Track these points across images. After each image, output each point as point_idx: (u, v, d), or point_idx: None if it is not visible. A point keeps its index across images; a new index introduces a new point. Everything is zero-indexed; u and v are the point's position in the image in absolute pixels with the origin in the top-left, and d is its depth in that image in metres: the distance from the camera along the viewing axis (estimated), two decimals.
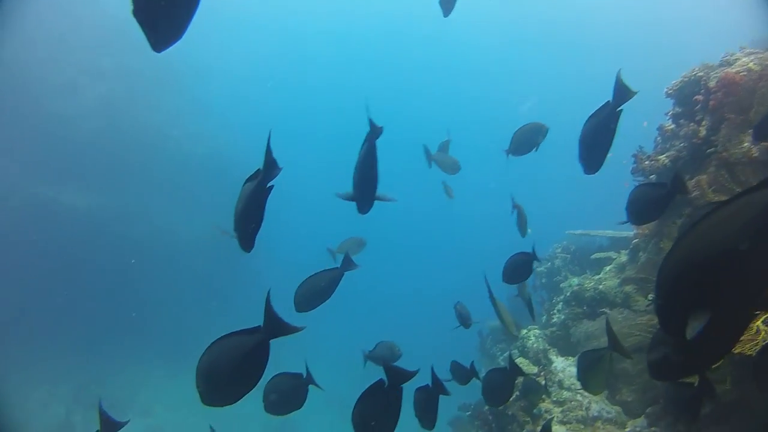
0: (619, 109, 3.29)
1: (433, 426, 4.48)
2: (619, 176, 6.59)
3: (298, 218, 26.84)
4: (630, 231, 8.92)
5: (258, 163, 3.03)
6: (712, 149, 4.70)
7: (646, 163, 5.58)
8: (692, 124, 5.08)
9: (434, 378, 3.99)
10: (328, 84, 32.35)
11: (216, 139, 19.04)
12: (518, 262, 5.14)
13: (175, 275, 17.31)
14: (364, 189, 3.43)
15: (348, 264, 4.59)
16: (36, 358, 14.98)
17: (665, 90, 5.51)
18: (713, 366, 2.04)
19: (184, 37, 2.44)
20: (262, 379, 2.78)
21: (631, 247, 7.32)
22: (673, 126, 6.13)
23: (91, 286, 15.70)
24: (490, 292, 5.67)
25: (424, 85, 33.96)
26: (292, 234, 25.27)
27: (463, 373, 5.58)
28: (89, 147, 15.47)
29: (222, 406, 2.72)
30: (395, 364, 5.62)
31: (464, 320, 6.49)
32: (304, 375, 3.99)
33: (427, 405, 4.08)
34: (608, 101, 3.33)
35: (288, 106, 30.02)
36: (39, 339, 15.20)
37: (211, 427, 5.88)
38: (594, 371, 5.65)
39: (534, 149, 5.27)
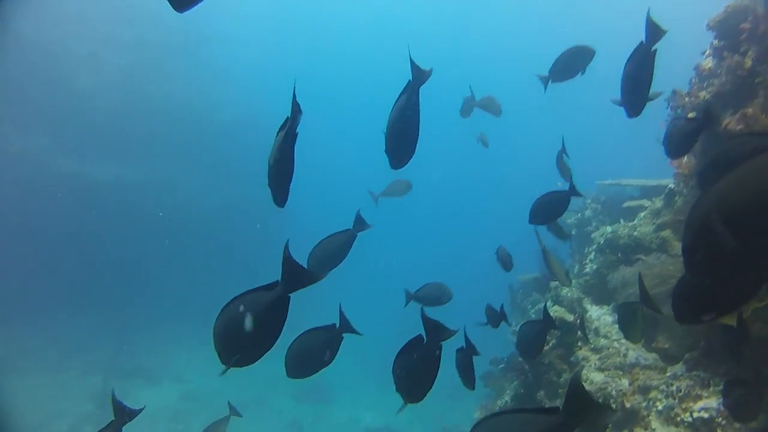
0: (654, 48, 3.30)
1: (473, 385, 4.52)
2: (646, 126, 6.36)
3: (321, 185, 26.75)
4: (661, 179, 8.72)
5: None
6: (760, 79, 4.46)
7: (686, 99, 5.35)
8: (736, 56, 4.83)
9: (467, 341, 3.97)
10: (354, 50, 31.93)
11: (238, 107, 18.92)
12: (552, 200, 4.79)
13: (201, 244, 17.41)
14: (402, 139, 3.20)
15: (360, 224, 4.46)
16: (72, 328, 15.23)
17: (706, 23, 5.24)
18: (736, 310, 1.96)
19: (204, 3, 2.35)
20: (284, 339, 2.68)
21: (666, 192, 7.11)
22: (711, 64, 5.86)
23: (119, 258, 15.87)
24: (540, 241, 5.60)
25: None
26: (317, 202, 25.23)
27: (495, 317, 5.57)
28: (111, 119, 15.51)
29: (241, 366, 2.62)
30: (446, 304, 5.75)
31: (506, 264, 6.32)
32: (337, 324, 3.65)
33: (466, 365, 3.97)
34: (641, 42, 3.33)
35: (311, 72, 29.75)
36: (72, 310, 15.43)
37: (229, 403, 5.88)
38: (630, 323, 5.57)
39: (580, 73, 4.98)
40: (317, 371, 3.54)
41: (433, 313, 3.01)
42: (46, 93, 14.61)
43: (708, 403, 4.86)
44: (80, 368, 14.61)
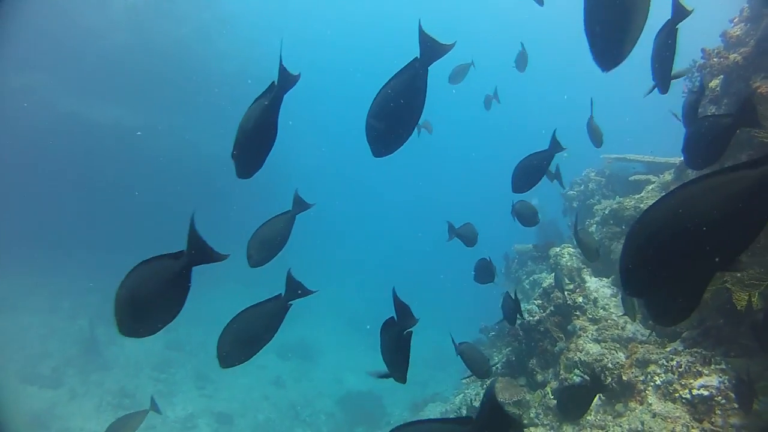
0: (677, 27, 3.25)
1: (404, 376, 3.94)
2: (653, 105, 6.02)
3: (315, 135, 26.28)
4: (669, 157, 8.42)
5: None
6: None
7: (715, 60, 5.00)
8: None
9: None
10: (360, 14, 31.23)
11: (244, 57, 18.37)
12: (533, 162, 4.28)
13: (201, 191, 17.09)
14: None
15: (300, 205, 4.24)
16: (63, 272, 14.98)
17: None
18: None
19: None
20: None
21: (677, 165, 6.80)
22: (740, 31, 5.52)
23: (113, 202, 15.54)
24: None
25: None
26: (308, 169, 24.89)
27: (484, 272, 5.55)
28: (116, 61, 14.99)
29: (141, 336, 2.54)
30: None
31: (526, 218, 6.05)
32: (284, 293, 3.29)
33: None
34: (667, 20, 3.27)
35: (321, 29, 29.02)
36: (65, 253, 15.17)
37: (152, 398, 5.65)
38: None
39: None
40: (256, 352, 3.22)
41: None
42: (50, 28, 14.11)
43: (708, 381, 4.60)
44: (69, 311, 14.39)
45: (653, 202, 1.73)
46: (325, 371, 16.12)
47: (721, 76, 4.98)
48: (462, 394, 8.40)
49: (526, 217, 5.59)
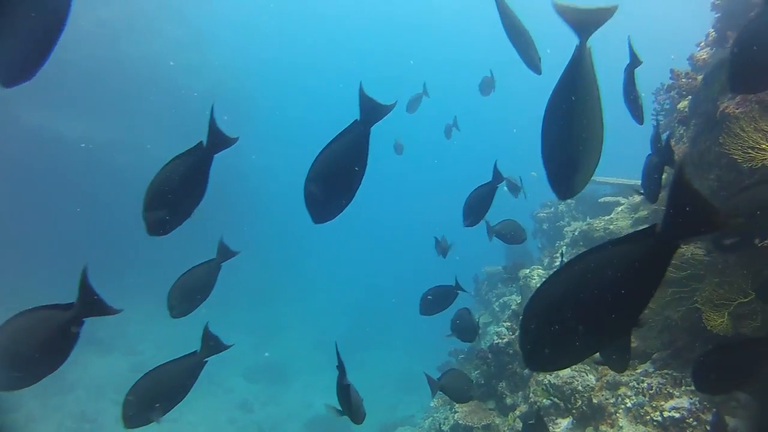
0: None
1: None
2: (623, 129, 6.02)
3: (284, 164, 26.11)
4: (638, 180, 8.42)
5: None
6: None
7: (683, 80, 4.98)
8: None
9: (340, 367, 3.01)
10: (344, 22, 31.23)
11: (217, 73, 18.17)
12: (479, 197, 4.19)
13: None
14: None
15: (224, 253, 4.10)
16: (22, 287, 14.47)
17: (711, 2, 4.86)
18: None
19: None
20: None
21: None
22: (706, 55, 5.53)
23: (77, 218, 15.11)
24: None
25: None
26: (279, 178, 24.64)
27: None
28: (84, 73, 14.66)
29: (15, 390, 2.34)
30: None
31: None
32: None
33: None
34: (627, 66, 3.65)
35: (297, 46, 28.89)
36: (25, 268, 14.68)
37: None
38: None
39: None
40: (165, 413, 2.94)
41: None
42: None
43: (679, 403, 4.50)
44: None
45: (549, 277, 1.69)
46: (294, 394, 15.75)
47: (689, 97, 4.96)
48: (431, 418, 8.21)
49: (514, 236, 5.72)
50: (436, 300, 4.31)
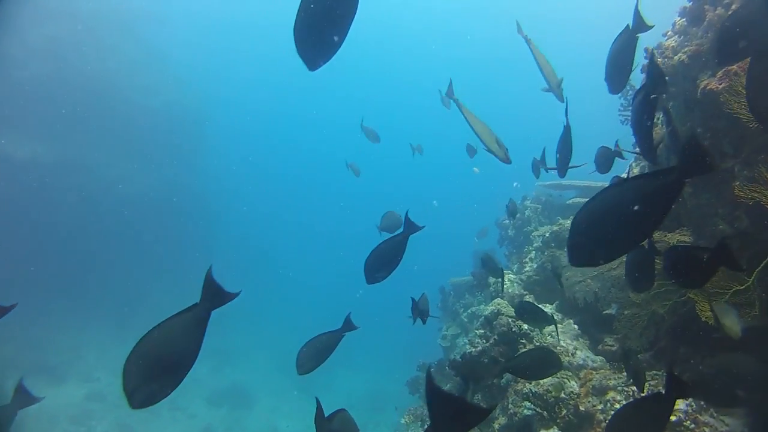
0: (637, 35, 3.51)
1: None
2: (584, 136, 5.71)
3: (241, 185, 25.44)
4: (606, 182, 8.11)
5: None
6: None
7: (659, 60, 4.63)
8: (719, 9, 4.13)
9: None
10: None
11: (170, 93, 17.46)
12: (389, 249, 3.64)
13: (120, 233, 15.90)
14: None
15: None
16: None
17: None
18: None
19: None
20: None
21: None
22: (674, 44, 5.19)
23: (29, 242, 14.21)
24: None
25: None
26: (237, 199, 23.98)
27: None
28: (32, 91, 13.85)
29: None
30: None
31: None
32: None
33: None
34: (627, 26, 3.51)
35: (254, 64, 28.26)
36: None
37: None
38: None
39: None
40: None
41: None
42: None
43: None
44: None
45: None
46: (258, 418, 14.96)
47: (666, 78, 4.59)
48: None
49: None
50: (316, 352, 3.80)
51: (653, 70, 3.06)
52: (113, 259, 15.74)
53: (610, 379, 4.54)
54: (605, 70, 3.77)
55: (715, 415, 4.05)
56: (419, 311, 4.94)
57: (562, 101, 4.60)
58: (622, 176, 6.29)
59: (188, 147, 17.86)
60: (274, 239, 26.84)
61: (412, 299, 4.97)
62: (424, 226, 3.64)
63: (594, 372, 4.81)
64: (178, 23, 20.20)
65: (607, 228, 1.96)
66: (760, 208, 3.27)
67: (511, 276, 7.17)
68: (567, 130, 4.31)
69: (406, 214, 3.66)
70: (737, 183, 3.73)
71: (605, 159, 4.66)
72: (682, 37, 5.16)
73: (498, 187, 6.36)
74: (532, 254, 7.61)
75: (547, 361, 4.00)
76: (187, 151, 17.91)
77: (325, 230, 30.63)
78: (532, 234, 8.34)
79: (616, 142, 4.73)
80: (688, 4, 4.68)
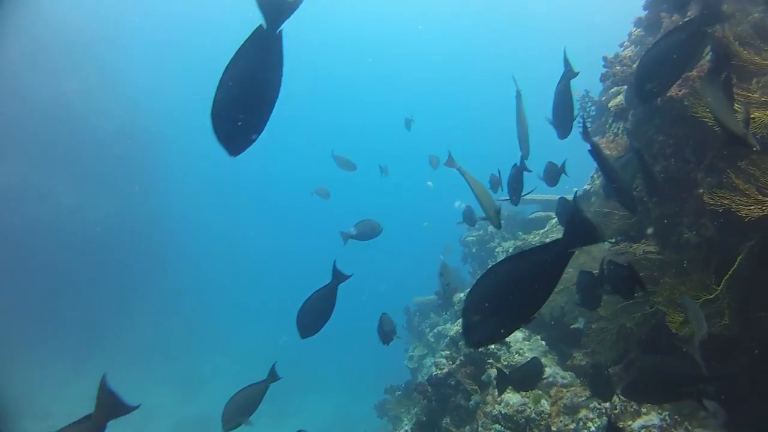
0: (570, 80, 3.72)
1: None
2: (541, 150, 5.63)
3: (201, 210, 24.88)
4: (567, 195, 8.07)
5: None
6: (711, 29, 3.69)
7: (618, 68, 4.54)
8: (674, 15, 4.07)
9: None
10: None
11: (127, 116, 16.96)
12: (320, 300, 3.51)
13: (81, 259, 15.30)
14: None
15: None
16: None
17: None
18: None
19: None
20: None
21: (580, 194, 6.33)
22: (630, 53, 5.16)
23: None
24: None
25: None
26: (195, 227, 23.45)
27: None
28: None
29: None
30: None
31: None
32: None
33: None
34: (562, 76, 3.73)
35: (210, 86, 27.85)
36: None
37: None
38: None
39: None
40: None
41: None
42: None
43: (648, 420, 3.89)
44: None
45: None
46: None
47: (625, 87, 4.52)
48: None
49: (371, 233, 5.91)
50: (242, 405, 3.59)
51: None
52: (72, 284, 15.17)
53: (581, 396, 4.37)
54: (552, 118, 3.90)
55: (689, 428, 3.93)
56: (383, 332, 4.76)
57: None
58: (580, 189, 6.24)
59: (147, 170, 17.42)
60: (234, 264, 26.31)
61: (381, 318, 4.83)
62: (351, 275, 3.47)
63: (564, 390, 4.64)
64: (134, 46, 19.78)
65: (501, 306, 1.94)
66: (727, 216, 3.16)
67: None
68: (519, 169, 4.44)
69: (334, 264, 3.49)
70: (701, 190, 3.65)
71: (552, 175, 4.83)
72: (638, 47, 5.14)
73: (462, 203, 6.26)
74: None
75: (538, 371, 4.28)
76: (146, 174, 17.47)
77: (289, 254, 30.14)
78: (496, 250, 8.24)
79: (564, 162, 4.80)
80: (644, 14, 4.63)
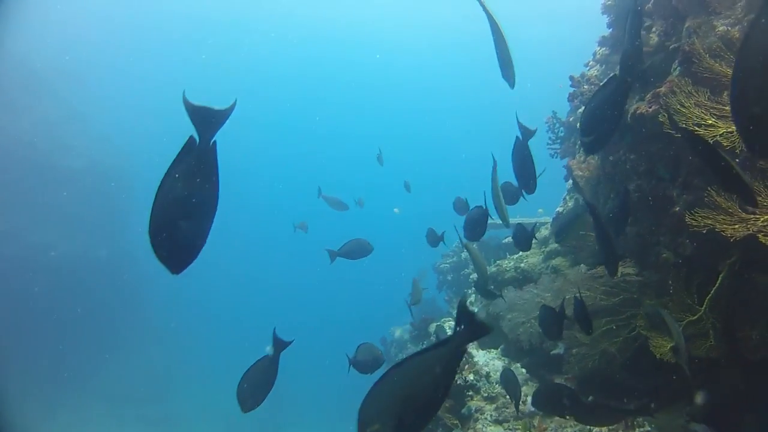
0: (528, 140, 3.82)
1: None
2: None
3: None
4: (539, 217, 7.98)
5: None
6: (675, 44, 3.61)
7: (585, 87, 4.45)
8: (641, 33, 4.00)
9: None
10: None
11: (93, 152, 16.54)
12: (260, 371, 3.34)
13: (50, 297, 14.77)
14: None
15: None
16: None
17: (602, 3, 4.40)
18: None
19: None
20: None
21: (554, 216, 6.22)
22: (596, 72, 5.10)
23: None
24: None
25: None
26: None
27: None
28: None
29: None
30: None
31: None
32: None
33: None
34: (517, 137, 3.79)
35: (175, 120, 27.51)
36: None
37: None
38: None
39: None
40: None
41: None
42: None
43: None
44: None
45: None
46: None
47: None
48: None
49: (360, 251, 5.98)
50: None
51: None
52: (42, 326, 14.66)
53: (566, 426, 4.18)
54: (516, 179, 4.01)
55: None
56: (356, 362, 4.60)
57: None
58: (552, 211, 6.13)
59: (118, 206, 17.02)
60: (209, 298, 25.82)
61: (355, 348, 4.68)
62: (292, 341, 3.30)
63: (549, 420, 4.45)
64: (96, 80, 19.45)
65: (401, 405, 1.86)
66: (707, 234, 3.02)
67: (451, 322, 6.81)
68: (483, 213, 4.48)
69: (274, 331, 3.33)
70: (677, 208, 3.53)
71: (509, 194, 4.66)
72: (604, 66, 5.08)
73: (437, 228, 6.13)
74: (472, 297, 7.31)
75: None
76: (117, 211, 17.07)
77: (266, 285, 29.66)
78: (471, 276, 8.08)
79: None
80: (608, 32, 4.56)
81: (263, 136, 34.14)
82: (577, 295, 3.62)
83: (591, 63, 5.33)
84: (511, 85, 3.68)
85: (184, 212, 1.95)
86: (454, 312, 7.68)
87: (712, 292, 3.40)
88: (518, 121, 3.79)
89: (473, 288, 6.98)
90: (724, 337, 3.43)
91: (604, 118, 2.93)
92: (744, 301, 3.34)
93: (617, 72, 2.98)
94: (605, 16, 4.43)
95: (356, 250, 6.15)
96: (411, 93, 34.35)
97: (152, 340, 18.79)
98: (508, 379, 4.37)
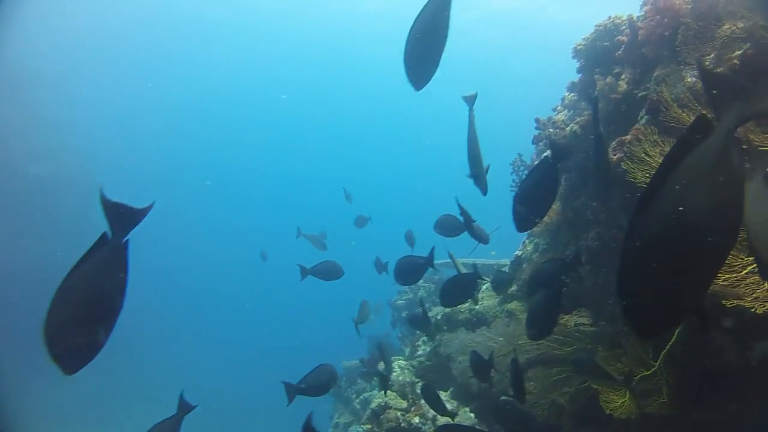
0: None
1: None
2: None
3: (139, 253, 23.71)
4: (499, 259, 7.88)
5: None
6: (643, 92, 3.55)
7: (550, 130, 4.38)
8: (609, 77, 3.94)
9: None
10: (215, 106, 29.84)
11: (55, 158, 16.02)
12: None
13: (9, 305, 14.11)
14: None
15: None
16: None
17: (574, 46, 4.35)
18: None
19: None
20: None
21: (512, 260, 6.10)
22: (564, 117, 5.05)
23: None
24: None
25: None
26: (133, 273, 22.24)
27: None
28: None
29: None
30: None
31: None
32: None
33: None
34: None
35: (145, 128, 26.88)
36: None
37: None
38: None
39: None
40: None
41: None
42: None
43: None
44: None
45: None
46: None
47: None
48: None
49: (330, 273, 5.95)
50: None
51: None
52: None
53: None
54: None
55: None
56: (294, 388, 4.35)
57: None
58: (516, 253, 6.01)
59: (84, 215, 16.48)
60: (175, 313, 25.11)
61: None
62: (197, 405, 3.14)
63: None
64: (66, 86, 19.01)
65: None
66: None
67: (402, 362, 6.59)
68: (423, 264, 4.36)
69: (181, 395, 3.15)
70: None
71: (448, 228, 4.75)
72: (571, 111, 5.03)
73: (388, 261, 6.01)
74: (425, 337, 7.11)
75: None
76: (81, 219, 16.52)
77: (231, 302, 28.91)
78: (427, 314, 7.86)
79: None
80: (578, 77, 4.50)
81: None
82: (513, 356, 3.49)
83: (559, 108, 5.28)
84: (483, 192, 3.51)
85: (84, 312, 1.85)
86: (407, 350, 7.47)
87: (668, 347, 3.28)
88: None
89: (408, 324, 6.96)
90: (677, 394, 3.30)
91: (537, 197, 2.92)
92: (700, 357, 3.23)
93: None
94: (575, 60, 4.36)
95: (327, 271, 6.11)
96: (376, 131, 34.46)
97: (113, 357, 18.05)
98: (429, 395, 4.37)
